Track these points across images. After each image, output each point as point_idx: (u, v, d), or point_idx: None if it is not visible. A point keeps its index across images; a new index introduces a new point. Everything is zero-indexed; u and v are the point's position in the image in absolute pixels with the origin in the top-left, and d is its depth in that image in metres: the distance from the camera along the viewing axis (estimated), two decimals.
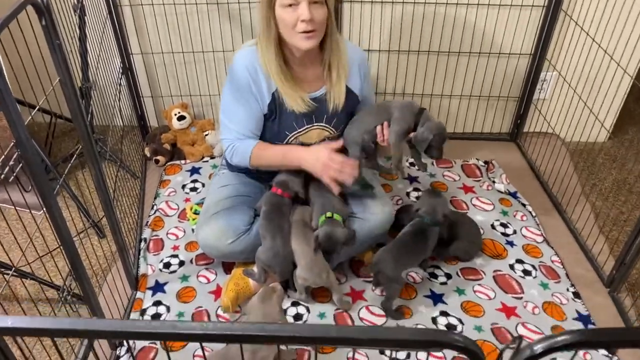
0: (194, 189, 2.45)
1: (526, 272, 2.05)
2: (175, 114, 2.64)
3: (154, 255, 2.11)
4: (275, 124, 1.81)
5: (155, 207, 2.35)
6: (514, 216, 2.31)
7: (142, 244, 2.15)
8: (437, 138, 1.77)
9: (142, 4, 2.40)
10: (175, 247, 2.14)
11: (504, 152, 2.72)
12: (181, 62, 2.60)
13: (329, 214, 1.78)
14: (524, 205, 2.37)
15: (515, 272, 2.05)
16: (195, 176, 2.53)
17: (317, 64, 1.77)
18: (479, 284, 1.99)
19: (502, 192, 2.44)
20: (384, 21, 2.41)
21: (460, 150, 2.71)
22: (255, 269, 1.89)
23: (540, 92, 2.61)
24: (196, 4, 2.41)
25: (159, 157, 2.59)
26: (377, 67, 2.56)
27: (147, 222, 2.27)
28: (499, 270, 2.05)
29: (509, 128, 2.79)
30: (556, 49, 2.45)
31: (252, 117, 1.79)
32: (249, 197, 1.98)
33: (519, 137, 2.76)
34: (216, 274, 2.01)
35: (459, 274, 2.03)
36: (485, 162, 2.62)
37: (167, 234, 2.21)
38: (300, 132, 1.84)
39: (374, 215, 1.88)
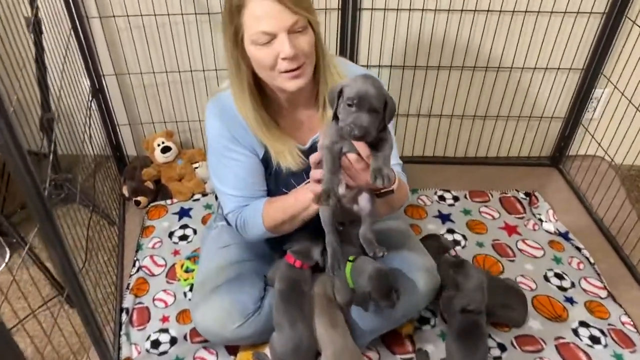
0: (183, 238, 2.11)
1: (594, 339, 1.76)
2: (159, 144, 2.29)
3: (139, 330, 1.77)
4: (271, 181, 1.51)
5: (137, 264, 2.00)
6: (569, 264, 2.01)
7: (124, 316, 1.80)
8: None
9: (114, 16, 2.04)
10: (165, 319, 1.80)
11: (546, 179, 2.43)
12: (164, 82, 2.26)
13: (351, 257, 1.48)
14: (578, 249, 2.08)
15: (582, 340, 1.75)
16: (185, 220, 2.19)
17: (312, 103, 1.46)
18: (539, 358, 1.67)
19: (551, 233, 2.14)
20: (398, 32, 2.07)
21: (495, 178, 2.42)
22: (268, 353, 1.54)
23: (589, 112, 2.29)
24: (182, 14, 2.05)
25: (139, 198, 2.24)
26: (388, 85, 2.23)
27: (129, 284, 1.92)
28: (562, 338, 1.76)
29: (550, 151, 2.48)
30: (612, 61, 2.13)
31: (250, 170, 1.47)
32: (257, 260, 1.65)
33: (562, 162, 2.45)
34: (217, 355, 1.67)
35: (515, 343, 1.73)
36: (527, 195, 2.32)
37: (153, 300, 1.87)
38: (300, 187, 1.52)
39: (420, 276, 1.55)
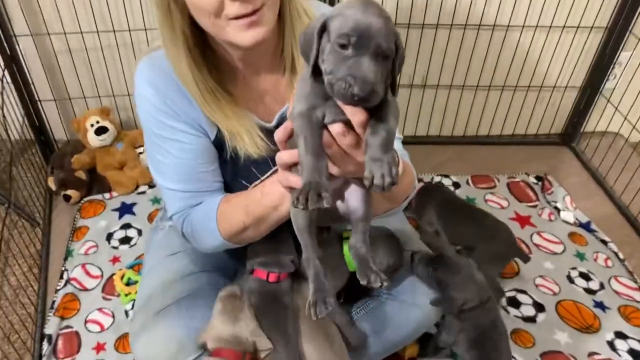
0: (125, 240, 1.77)
1: (635, 354, 1.47)
2: (92, 125, 1.92)
3: None
4: (226, 171, 1.18)
5: (65, 276, 1.65)
6: (595, 260, 1.75)
7: (45, 345, 1.44)
8: None
9: None
10: (100, 346, 1.49)
11: (557, 160, 2.16)
12: (96, 45, 1.87)
13: (345, 233, 1.20)
14: (604, 242, 1.82)
15: (620, 356, 1.50)
16: (127, 218, 1.84)
17: (277, 64, 1.14)
18: None
19: (570, 223, 1.87)
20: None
21: (500, 160, 2.14)
22: None
23: (610, 80, 1.99)
24: None
25: (69, 191, 1.89)
26: None
27: (53, 303, 1.55)
28: (596, 354, 1.51)
29: (561, 128, 2.18)
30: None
31: (197, 155, 1.14)
32: (215, 272, 1.32)
33: (574, 140, 2.17)
34: None
35: None
36: (538, 179, 2.03)
37: (85, 322, 1.53)
38: (266, 179, 1.20)
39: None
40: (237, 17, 0.95)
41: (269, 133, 1.12)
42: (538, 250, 1.76)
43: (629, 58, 1.96)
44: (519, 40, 1.91)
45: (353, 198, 0.94)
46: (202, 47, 1.06)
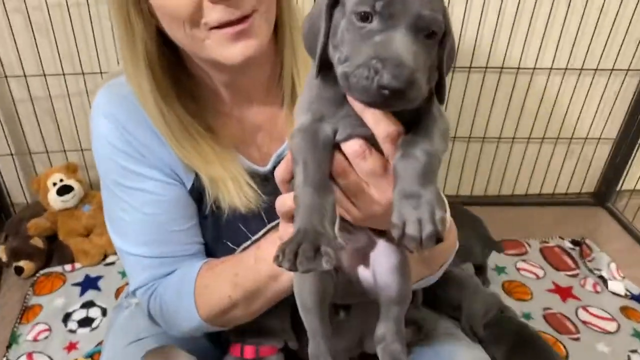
0: (86, 322, 1.49)
1: None
2: (55, 184, 1.68)
3: None
4: (207, 229, 0.95)
5: None
6: None
7: None
8: None
9: None
10: None
11: (593, 223, 1.93)
12: (63, 92, 1.67)
13: None
14: None
15: None
16: (90, 294, 1.58)
17: (273, 93, 0.94)
18: None
19: (620, 296, 1.62)
20: None
21: (528, 223, 1.91)
22: None
23: None
24: None
25: (22, 263, 1.63)
26: None
27: None
28: None
29: (594, 186, 1.96)
30: None
31: (169, 208, 0.91)
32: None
33: (610, 199, 1.95)
34: None
35: None
36: (575, 243, 1.79)
37: None
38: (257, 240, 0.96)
39: None
40: (221, 26, 0.75)
41: (262, 179, 0.90)
42: (587, 329, 1.49)
43: None
44: (545, 85, 1.73)
45: (383, 266, 0.69)
46: (174, 71, 0.85)
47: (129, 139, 0.87)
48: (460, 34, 1.62)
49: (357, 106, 0.59)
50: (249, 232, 0.93)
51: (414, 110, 0.58)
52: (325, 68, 0.61)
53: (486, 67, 1.67)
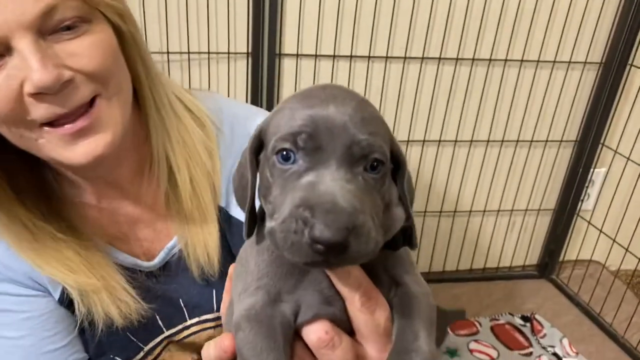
0: None
1: None
2: None
3: None
4: (88, 342, 0.80)
5: None
6: None
7: None
8: None
9: None
10: None
11: (539, 297, 1.90)
12: None
13: None
14: None
15: None
16: None
17: (146, 175, 0.81)
18: None
19: None
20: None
21: (475, 299, 1.85)
22: None
23: (584, 201, 1.83)
24: None
25: None
26: None
27: None
28: None
29: (537, 258, 1.96)
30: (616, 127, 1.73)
31: (38, 323, 0.76)
32: None
33: (554, 271, 1.94)
34: None
35: None
36: (524, 318, 1.75)
37: None
38: (155, 350, 0.84)
39: None
40: (55, 122, 0.63)
41: (147, 276, 0.79)
42: None
43: (606, 174, 1.82)
44: (483, 158, 1.74)
45: None
46: (16, 164, 0.71)
47: None
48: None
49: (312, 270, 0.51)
50: (139, 342, 0.81)
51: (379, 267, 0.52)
52: (254, 221, 0.54)
53: (424, 140, 1.67)
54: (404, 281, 0.54)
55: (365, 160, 0.47)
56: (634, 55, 1.62)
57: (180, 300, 0.83)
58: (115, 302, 0.74)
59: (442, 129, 1.67)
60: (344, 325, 0.52)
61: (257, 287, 0.51)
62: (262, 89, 1.47)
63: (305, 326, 0.51)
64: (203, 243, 0.79)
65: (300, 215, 0.43)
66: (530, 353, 1.61)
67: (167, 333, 0.82)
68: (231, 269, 0.62)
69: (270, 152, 0.48)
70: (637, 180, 1.69)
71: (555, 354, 1.60)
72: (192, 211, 0.78)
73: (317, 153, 0.46)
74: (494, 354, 1.60)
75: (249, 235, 0.54)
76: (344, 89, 0.52)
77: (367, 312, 0.51)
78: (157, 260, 0.81)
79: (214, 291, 0.84)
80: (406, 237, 0.55)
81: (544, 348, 1.63)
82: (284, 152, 0.47)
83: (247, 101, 1.49)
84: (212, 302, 0.84)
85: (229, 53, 1.43)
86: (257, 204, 0.54)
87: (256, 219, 0.55)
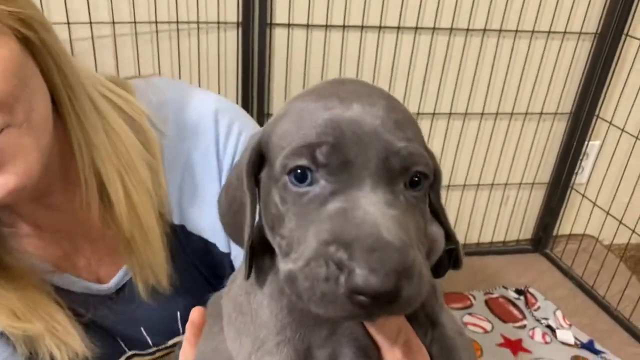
0: None
1: None
2: None
3: None
4: None
5: None
6: None
7: None
8: None
9: None
10: None
11: (534, 270, 1.90)
12: None
13: None
14: None
15: None
16: None
17: (79, 188, 0.70)
18: None
19: (570, 345, 1.58)
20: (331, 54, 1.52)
21: (467, 274, 1.85)
22: None
23: (578, 174, 1.83)
24: None
25: None
26: None
27: None
28: None
29: (531, 232, 1.96)
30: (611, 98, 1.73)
31: None
32: None
33: (548, 245, 1.95)
34: None
35: None
36: (519, 292, 1.75)
37: None
38: None
39: None
40: None
41: (103, 299, 0.75)
42: None
43: (600, 147, 1.82)
44: (477, 131, 1.74)
45: None
46: None
47: None
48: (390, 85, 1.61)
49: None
50: None
51: None
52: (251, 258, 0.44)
53: (418, 113, 1.67)
54: (441, 321, 0.47)
55: (405, 175, 0.38)
56: (630, 26, 1.61)
57: (142, 328, 0.80)
58: (58, 346, 0.68)
59: (436, 102, 1.66)
60: None
61: (278, 343, 0.41)
62: (254, 60, 1.45)
63: None
64: (148, 265, 0.72)
65: (331, 256, 0.34)
66: (524, 325, 1.62)
67: (129, 353, 0.80)
68: (196, 315, 0.56)
69: (279, 171, 0.38)
70: (631, 153, 1.69)
71: (548, 326, 1.61)
72: (132, 230, 0.69)
73: (345, 170, 0.36)
74: (487, 326, 1.61)
75: (248, 276, 0.44)
76: (366, 84, 0.43)
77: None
78: (112, 284, 0.76)
79: (179, 314, 0.80)
80: (450, 258, 0.47)
81: (537, 320, 1.64)
82: (300, 171, 0.37)
83: (237, 73, 1.47)
84: (176, 325, 0.81)
85: (218, 23, 1.41)
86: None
87: (254, 252, 0.44)
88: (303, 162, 0.37)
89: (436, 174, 0.44)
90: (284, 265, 0.38)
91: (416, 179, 0.39)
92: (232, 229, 0.45)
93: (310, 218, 0.37)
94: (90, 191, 0.67)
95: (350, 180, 0.36)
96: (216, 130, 0.77)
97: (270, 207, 0.40)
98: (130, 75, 0.84)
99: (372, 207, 0.35)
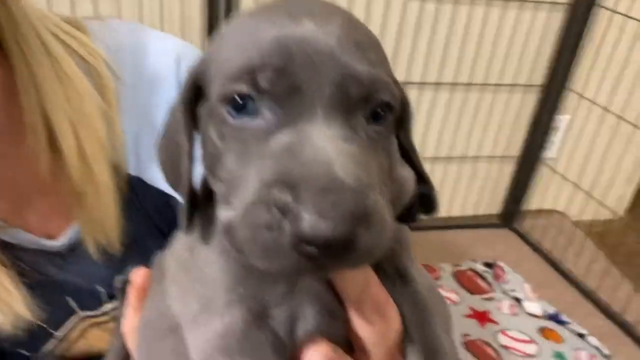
0: None
1: None
2: None
3: None
4: None
5: None
6: None
7: None
8: None
9: None
10: None
11: (503, 245, 1.90)
12: None
13: None
14: (580, 335, 1.52)
15: None
16: None
17: (22, 137, 0.63)
18: None
19: (537, 316, 1.58)
20: None
21: (435, 247, 1.84)
22: None
23: (548, 148, 1.83)
24: None
25: None
26: None
27: None
28: None
29: (499, 207, 1.96)
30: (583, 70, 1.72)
31: None
32: None
33: (515, 221, 1.95)
34: None
35: None
36: (488, 265, 1.74)
37: None
38: (71, 334, 0.75)
39: None
40: None
41: (53, 257, 0.70)
42: (508, 353, 1.44)
43: (570, 122, 1.82)
44: (449, 102, 1.72)
45: None
46: None
47: None
48: None
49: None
50: (50, 328, 0.71)
51: None
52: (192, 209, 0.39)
53: None
54: (411, 276, 0.42)
55: (366, 106, 0.33)
56: None
57: (96, 285, 0.74)
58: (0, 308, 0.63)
59: (406, 70, 1.64)
60: (343, 339, 0.40)
61: (228, 302, 0.36)
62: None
63: (304, 351, 0.38)
64: (100, 223, 0.67)
65: (274, 200, 0.29)
66: (492, 297, 1.62)
67: (82, 314, 0.74)
68: (139, 276, 0.50)
69: (216, 101, 0.33)
70: (602, 127, 1.70)
71: (516, 298, 1.62)
72: (83, 185, 0.65)
73: (293, 98, 0.31)
74: (455, 298, 1.60)
75: (187, 228, 0.39)
76: (337, 11, 0.37)
77: (375, 323, 0.39)
78: (63, 241, 0.70)
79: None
80: (422, 202, 0.43)
81: (505, 293, 1.64)
82: (239, 100, 0.32)
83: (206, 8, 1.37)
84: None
85: None
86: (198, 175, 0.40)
87: (197, 201, 0.39)
88: (242, 88, 0.31)
89: (405, 107, 0.39)
90: (223, 213, 0.33)
91: (379, 110, 0.34)
92: (172, 177, 0.40)
93: (251, 156, 0.32)
94: (38, 140, 0.61)
95: (299, 110, 0.31)
96: (177, 77, 0.72)
97: (208, 145, 0.35)
98: (86, 16, 0.79)
99: (325, 142, 0.30)
